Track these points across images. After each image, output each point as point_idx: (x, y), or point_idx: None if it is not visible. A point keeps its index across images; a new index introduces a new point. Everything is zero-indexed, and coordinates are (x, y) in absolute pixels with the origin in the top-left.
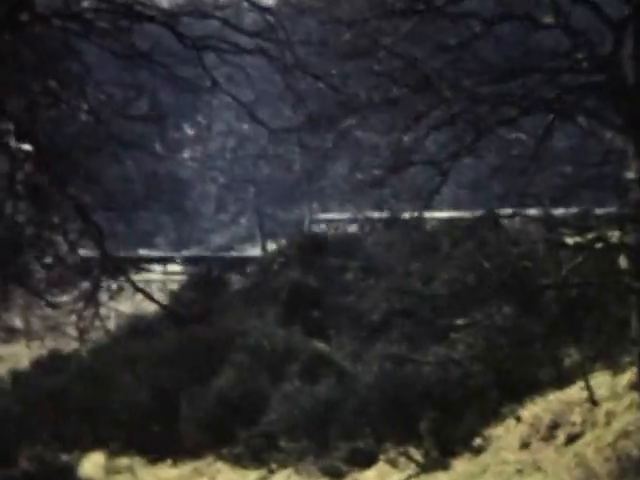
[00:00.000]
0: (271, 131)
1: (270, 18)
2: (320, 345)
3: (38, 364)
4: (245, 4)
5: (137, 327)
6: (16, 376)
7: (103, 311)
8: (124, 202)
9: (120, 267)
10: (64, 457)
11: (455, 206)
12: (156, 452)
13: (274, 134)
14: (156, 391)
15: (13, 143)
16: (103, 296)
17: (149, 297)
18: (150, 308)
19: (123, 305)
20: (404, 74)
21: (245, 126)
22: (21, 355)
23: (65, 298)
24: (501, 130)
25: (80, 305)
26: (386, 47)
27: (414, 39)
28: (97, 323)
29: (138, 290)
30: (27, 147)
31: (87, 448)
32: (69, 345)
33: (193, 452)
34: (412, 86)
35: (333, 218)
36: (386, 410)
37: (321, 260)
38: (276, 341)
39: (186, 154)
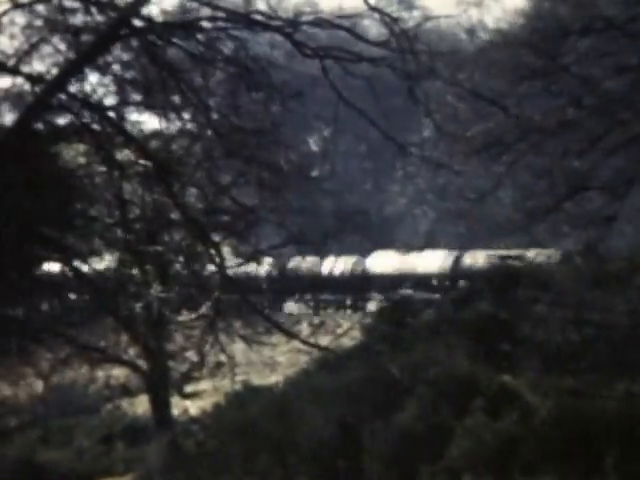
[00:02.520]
0: (400, 146)
1: (396, 27)
2: (507, 378)
3: (232, 397)
4: (368, 14)
5: (328, 360)
6: (214, 409)
7: (304, 345)
8: (315, 235)
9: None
10: None
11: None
12: None
13: (403, 150)
14: (342, 425)
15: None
16: (304, 330)
17: (288, 333)
18: (348, 342)
19: (323, 339)
20: (581, 95)
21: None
22: (225, 388)
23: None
24: None
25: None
26: (564, 67)
27: (592, 59)
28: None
29: (278, 329)
30: (143, 163)
31: None
32: (269, 378)
33: None
34: (589, 108)
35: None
36: (569, 445)
37: (512, 292)
38: (461, 374)
39: (396, 189)
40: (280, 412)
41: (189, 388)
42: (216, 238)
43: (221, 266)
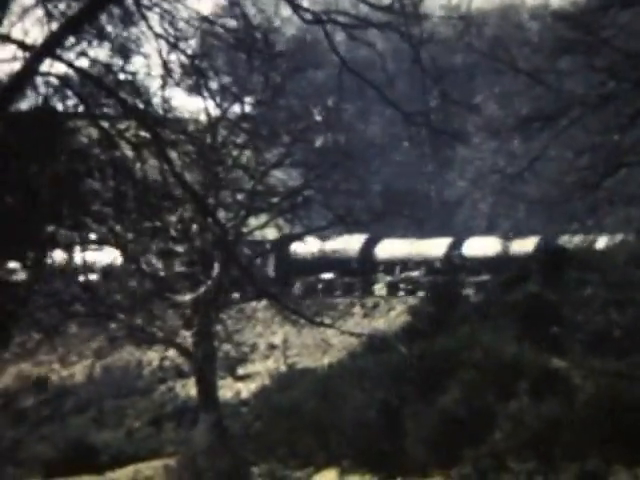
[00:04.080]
0: (405, 115)
1: None
2: (553, 361)
3: (278, 380)
4: None
5: (373, 343)
6: (260, 392)
7: (357, 328)
8: (361, 215)
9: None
10: (297, 474)
11: None
12: (386, 470)
13: (408, 118)
14: (385, 408)
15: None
16: (358, 312)
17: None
18: (397, 324)
19: (377, 321)
20: (623, 68)
21: (515, 143)
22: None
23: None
24: None
25: None
26: (604, 40)
27: (633, 32)
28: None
29: (292, 311)
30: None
31: (321, 465)
32: (321, 361)
33: (421, 471)
34: (632, 81)
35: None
36: (616, 429)
37: (562, 274)
38: (506, 356)
39: (456, 173)
40: (324, 394)
41: (242, 370)
42: (262, 218)
43: (223, 242)
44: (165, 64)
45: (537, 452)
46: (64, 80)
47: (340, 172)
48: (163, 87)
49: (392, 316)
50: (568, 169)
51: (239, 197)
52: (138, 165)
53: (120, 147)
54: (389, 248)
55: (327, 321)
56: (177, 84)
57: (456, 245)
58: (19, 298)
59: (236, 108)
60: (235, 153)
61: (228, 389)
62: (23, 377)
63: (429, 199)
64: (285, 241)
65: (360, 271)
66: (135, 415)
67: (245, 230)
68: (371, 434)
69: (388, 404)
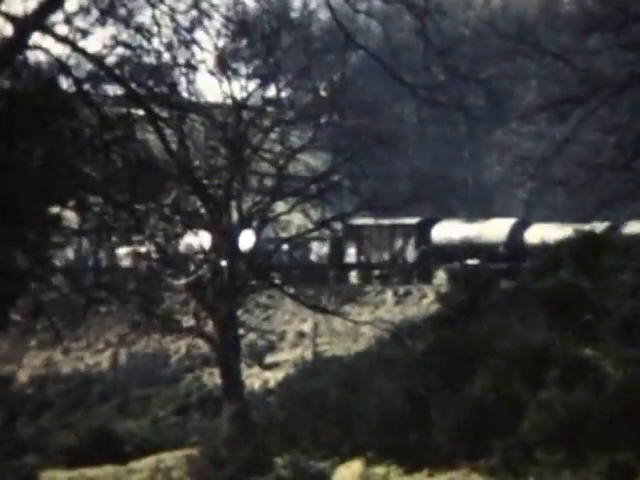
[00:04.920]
0: (411, 89)
1: None
2: (584, 350)
3: (302, 368)
4: None
5: (404, 330)
6: (284, 380)
7: (388, 315)
8: (389, 201)
9: None
10: (321, 464)
11: None
12: (413, 461)
13: (414, 93)
14: (411, 397)
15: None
16: (390, 300)
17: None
18: (427, 311)
19: (409, 309)
20: None
21: (554, 129)
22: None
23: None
24: None
25: None
26: (635, 16)
27: None
28: None
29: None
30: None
31: (345, 455)
32: (351, 349)
33: (448, 462)
34: None
35: None
36: None
37: (595, 260)
38: (535, 345)
39: (493, 158)
40: (350, 383)
41: (270, 359)
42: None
43: (219, 220)
44: (170, 44)
45: (566, 443)
46: (61, 60)
47: (369, 156)
48: (159, 65)
49: (424, 304)
50: (597, 150)
51: (265, 182)
52: (138, 144)
53: (119, 126)
54: (540, 233)
55: (356, 309)
56: (177, 64)
57: (614, 229)
58: (18, 281)
59: (265, 92)
60: (260, 136)
61: (256, 378)
62: (49, 365)
63: (466, 184)
64: (425, 225)
65: (508, 257)
66: (161, 404)
67: (271, 215)
68: (397, 424)
69: (415, 393)
